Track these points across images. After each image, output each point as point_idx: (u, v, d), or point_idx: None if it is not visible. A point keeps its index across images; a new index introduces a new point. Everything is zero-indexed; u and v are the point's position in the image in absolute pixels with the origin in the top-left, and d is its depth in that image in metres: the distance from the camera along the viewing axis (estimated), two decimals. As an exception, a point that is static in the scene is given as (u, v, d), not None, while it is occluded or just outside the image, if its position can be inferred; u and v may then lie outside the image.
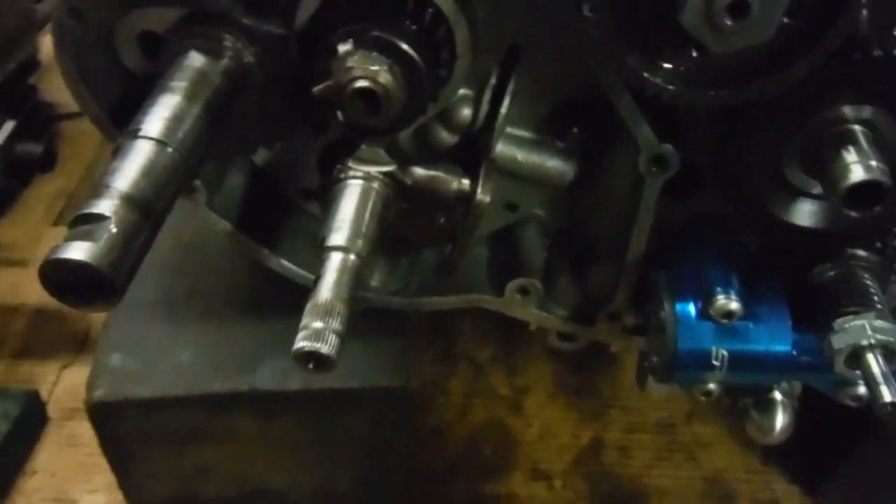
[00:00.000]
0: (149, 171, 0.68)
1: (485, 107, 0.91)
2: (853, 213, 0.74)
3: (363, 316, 1.05)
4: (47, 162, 1.16)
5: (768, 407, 1.01)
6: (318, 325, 0.69)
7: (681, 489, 1.27)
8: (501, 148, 0.93)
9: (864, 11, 0.72)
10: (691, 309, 0.88)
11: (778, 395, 1.02)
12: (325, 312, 0.70)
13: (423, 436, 1.29)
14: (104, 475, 1.22)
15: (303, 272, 1.01)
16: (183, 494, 1.11)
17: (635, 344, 1.06)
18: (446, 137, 0.94)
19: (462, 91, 0.90)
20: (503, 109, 0.90)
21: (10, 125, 1.14)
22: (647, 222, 0.91)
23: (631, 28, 0.70)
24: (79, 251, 0.60)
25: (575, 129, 0.93)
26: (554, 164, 0.95)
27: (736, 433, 1.34)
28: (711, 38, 0.65)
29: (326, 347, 0.68)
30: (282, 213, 1.04)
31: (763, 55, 0.70)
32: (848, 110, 0.77)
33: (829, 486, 1.24)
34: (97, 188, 0.65)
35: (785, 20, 0.68)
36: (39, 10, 1.89)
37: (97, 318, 1.46)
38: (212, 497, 1.12)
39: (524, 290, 1.01)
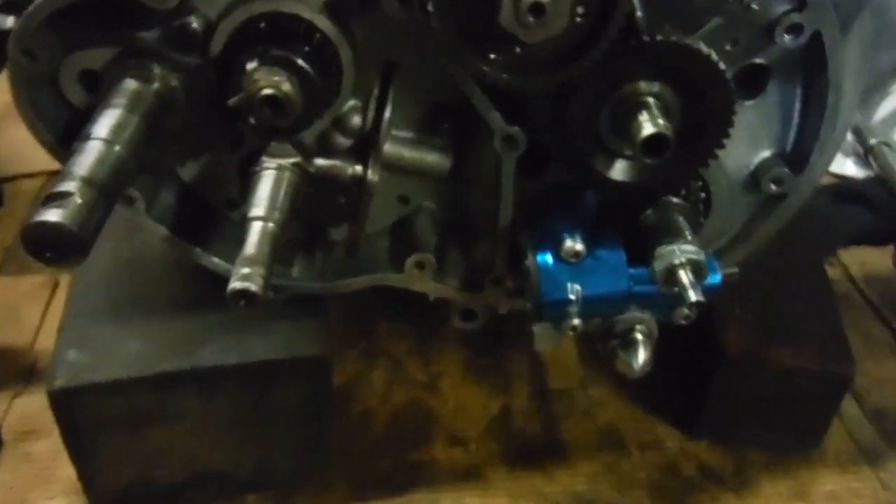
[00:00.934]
0: (101, 162, 0.86)
1: (371, 113, 1.13)
2: (649, 161, 0.98)
3: (288, 301, 1.24)
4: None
5: (631, 346, 1.21)
6: (246, 270, 0.88)
7: (580, 441, 1.46)
8: (388, 148, 1.13)
9: (639, 12, 0.99)
10: (549, 257, 1.09)
11: (639, 336, 1.21)
12: (251, 262, 0.89)
13: (351, 419, 1.45)
14: (60, 483, 1.34)
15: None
16: (138, 481, 1.23)
17: (518, 304, 1.27)
18: (342, 141, 1.13)
19: (351, 102, 1.10)
20: (386, 115, 1.10)
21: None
22: (509, 194, 1.13)
23: (467, 32, 0.93)
24: (54, 215, 0.77)
25: (446, 126, 1.16)
26: (433, 158, 1.15)
27: (623, 392, 1.55)
28: (522, 32, 0.89)
29: (254, 286, 0.87)
30: (209, 220, 1.22)
31: (568, 46, 0.94)
32: (643, 85, 1.01)
33: (701, 422, 1.45)
34: (61, 176, 0.83)
35: (578, 20, 0.92)
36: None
37: (42, 352, 1.58)
38: (165, 482, 1.25)
39: (420, 265, 1.21)
